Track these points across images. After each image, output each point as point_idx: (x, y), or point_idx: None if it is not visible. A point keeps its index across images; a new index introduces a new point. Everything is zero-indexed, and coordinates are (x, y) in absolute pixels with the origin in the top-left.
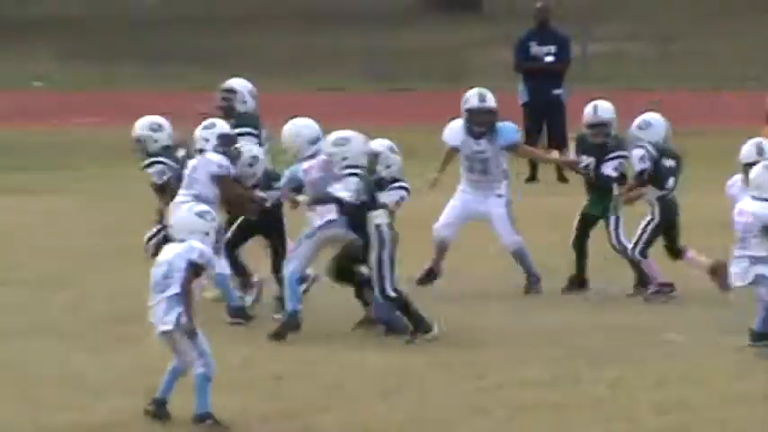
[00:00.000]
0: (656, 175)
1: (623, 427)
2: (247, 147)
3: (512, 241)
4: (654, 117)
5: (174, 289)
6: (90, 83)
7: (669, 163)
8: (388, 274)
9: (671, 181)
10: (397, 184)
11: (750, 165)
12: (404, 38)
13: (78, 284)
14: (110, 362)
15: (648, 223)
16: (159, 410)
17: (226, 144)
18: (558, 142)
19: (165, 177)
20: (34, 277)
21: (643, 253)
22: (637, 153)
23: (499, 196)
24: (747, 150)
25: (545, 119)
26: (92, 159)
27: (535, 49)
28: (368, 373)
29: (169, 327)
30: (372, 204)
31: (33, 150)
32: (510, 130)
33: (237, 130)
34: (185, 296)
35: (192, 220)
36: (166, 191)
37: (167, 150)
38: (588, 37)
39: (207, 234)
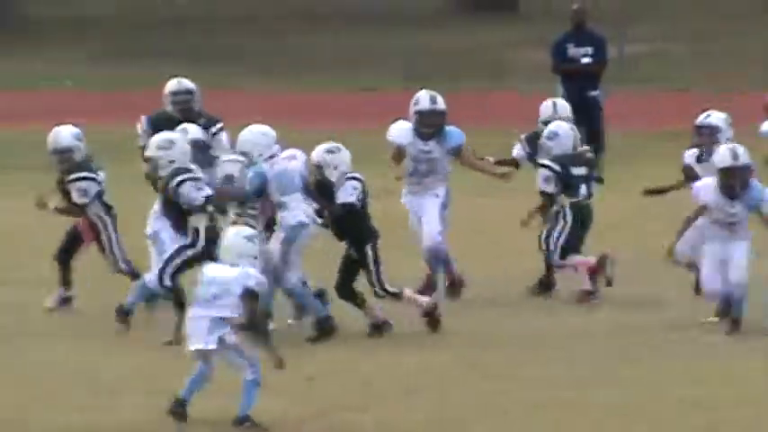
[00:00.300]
0: (567, 185)
1: (644, 428)
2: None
3: (430, 242)
4: (561, 126)
5: (224, 312)
6: (121, 83)
7: (579, 171)
8: (173, 266)
9: (583, 188)
10: (347, 176)
11: (725, 169)
12: (440, 38)
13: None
14: (121, 362)
15: (562, 229)
16: (180, 411)
17: (198, 150)
18: (597, 144)
19: (87, 198)
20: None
21: (562, 256)
22: (543, 174)
23: (436, 196)
24: (722, 155)
25: (583, 120)
26: (113, 160)
27: (572, 50)
28: (396, 372)
29: (213, 346)
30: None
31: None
32: (457, 133)
33: (216, 128)
34: (258, 329)
35: (241, 244)
36: (81, 209)
37: (87, 161)
38: (624, 38)
39: (255, 258)
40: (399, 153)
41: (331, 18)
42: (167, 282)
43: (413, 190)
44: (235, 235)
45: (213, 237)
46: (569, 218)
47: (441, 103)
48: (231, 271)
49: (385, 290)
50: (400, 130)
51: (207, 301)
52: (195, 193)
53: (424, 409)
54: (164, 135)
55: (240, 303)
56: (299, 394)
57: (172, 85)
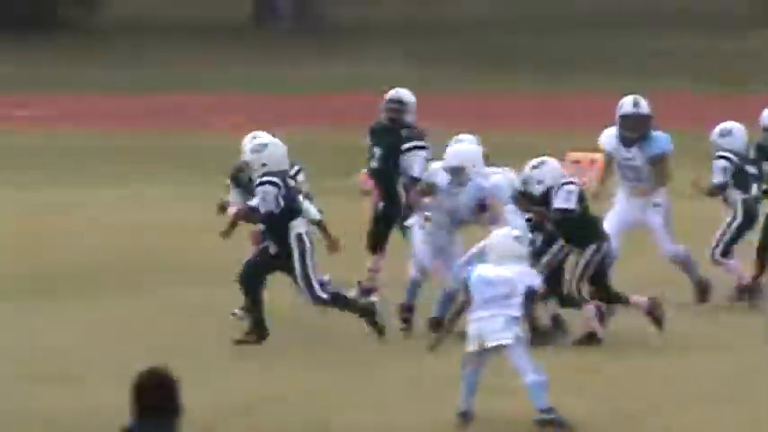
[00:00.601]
0: (740, 180)
1: None
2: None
3: (669, 250)
4: (734, 125)
5: (516, 311)
6: (439, 86)
7: (752, 170)
8: (315, 279)
9: (754, 187)
10: (562, 181)
11: None
12: (747, 40)
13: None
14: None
15: (731, 223)
16: (466, 421)
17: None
18: None
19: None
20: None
21: (724, 254)
22: (720, 164)
23: (656, 205)
24: None
25: None
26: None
27: None
28: (694, 377)
29: (509, 341)
30: (293, 213)
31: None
32: (663, 140)
33: (408, 145)
34: (528, 318)
35: (509, 244)
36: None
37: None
38: None
39: (522, 258)
40: (609, 160)
41: (641, 19)
42: (323, 296)
43: (627, 192)
44: (503, 236)
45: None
46: (740, 213)
47: (644, 107)
48: (510, 269)
49: (579, 293)
50: (607, 136)
51: (496, 300)
52: (260, 199)
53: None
54: (258, 138)
55: (522, 301)
56: (603, 394)
57: (390, 93)
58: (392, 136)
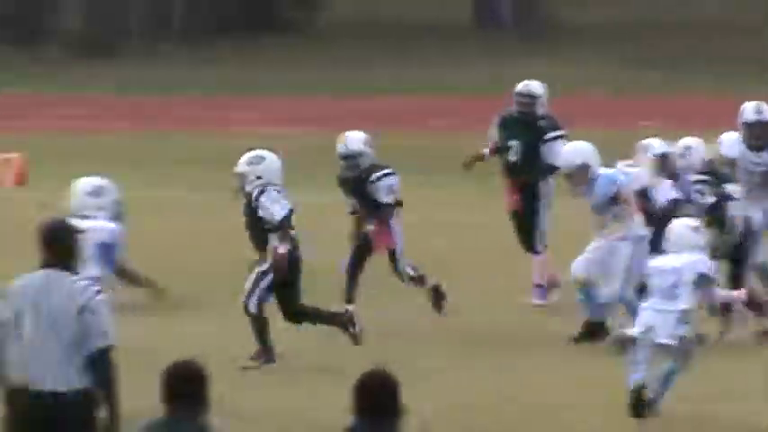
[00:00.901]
0: None
1: None
2: None
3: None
4: None
5: (684, 303)
6: (652, 88)
7: None
8: (258, 294)
9: None
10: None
11: None
12: None
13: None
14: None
15: None
16: (644, 406)
17: (664, 165)
18: None
19: (396, 195)
20: None
21: None
22: None
23: (762, 210)
24: None
25: None
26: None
27: None
28: None
29: (674, 342)
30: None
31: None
32: None
33: (552, 134)
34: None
35: (689, 235)
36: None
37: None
38: None
39: (702, 248)
40: (732, 166)
41: None
42: (252, 309)
43: (747, 201)
44: (682, 226)
45: (294, 262)
46: None
47: (767, 113)
48: (681, 259)
49: None
50: (729, 142)
51: (664, 291)
52: (274, 205)
53: None
54: (256, 151)
55: (694, 291)
56: None
57: (518, 86)
58: (529, 128)
